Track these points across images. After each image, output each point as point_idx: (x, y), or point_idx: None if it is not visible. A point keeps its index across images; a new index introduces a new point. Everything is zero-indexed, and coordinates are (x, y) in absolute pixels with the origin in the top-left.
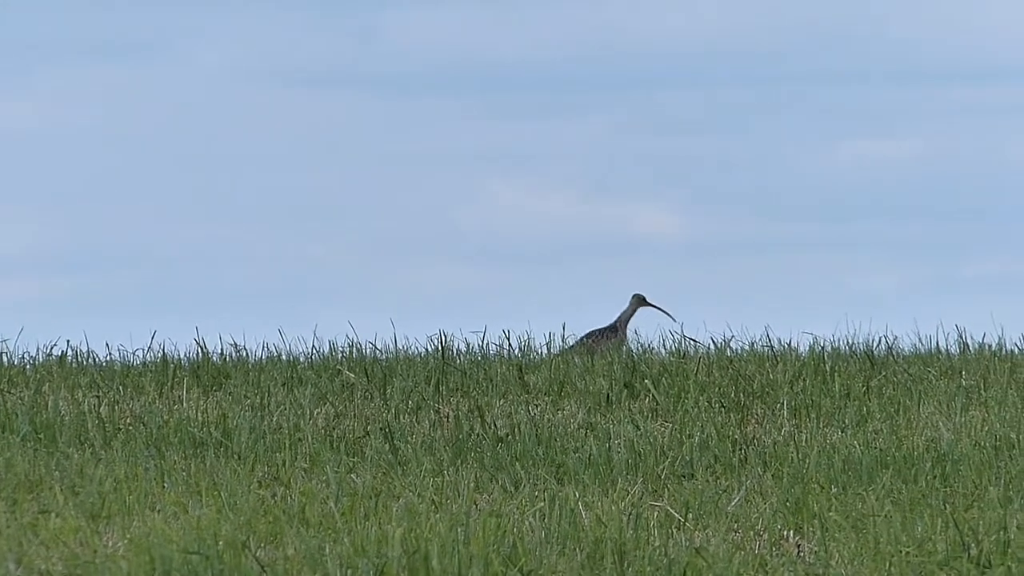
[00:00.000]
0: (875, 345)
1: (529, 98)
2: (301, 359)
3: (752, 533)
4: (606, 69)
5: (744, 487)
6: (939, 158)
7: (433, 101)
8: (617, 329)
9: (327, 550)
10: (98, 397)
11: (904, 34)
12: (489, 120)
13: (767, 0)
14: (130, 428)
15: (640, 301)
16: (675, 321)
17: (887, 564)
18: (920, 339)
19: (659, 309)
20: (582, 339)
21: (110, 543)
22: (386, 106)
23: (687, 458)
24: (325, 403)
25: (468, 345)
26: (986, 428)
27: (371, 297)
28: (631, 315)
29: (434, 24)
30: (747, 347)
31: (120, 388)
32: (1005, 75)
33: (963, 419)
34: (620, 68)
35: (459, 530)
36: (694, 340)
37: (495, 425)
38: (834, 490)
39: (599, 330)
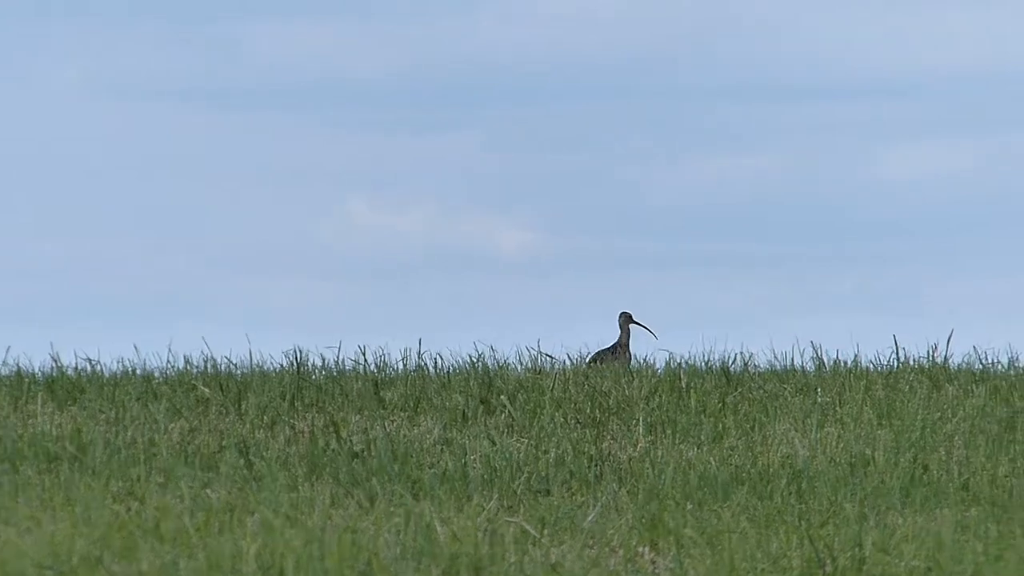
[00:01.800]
0: (731, 362)
1: (388, 115)
2: (156, 374)
3: (608, 549)
4: (464, 87)
5: (600, 503)
6: (797, 175)
7: (292, 116)
8: (621, 348)
9: (182, 565)
10: None
11: (760, 51)
12: (347, 136)
13: (624, 19)
14: None
15: (628, 319)
16: (656, 339)
17: None
18: (776, 356)
19: (643, 327)
20: (592, 359)
21: None
22: (244, 120)
23: (543, 474)
24: (180, 418)
25: (324, 360)
26: (841, 445)
27: (227, 312)
28: (628, 335)
29: (293, 39)
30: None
31: None
32: (862, 92)
33: (819, 436)
34: (478, 86)
35: (314, 546)
36: (550, 356)
37: (351, 440)
38: (689, 506)
39: (605, 350)
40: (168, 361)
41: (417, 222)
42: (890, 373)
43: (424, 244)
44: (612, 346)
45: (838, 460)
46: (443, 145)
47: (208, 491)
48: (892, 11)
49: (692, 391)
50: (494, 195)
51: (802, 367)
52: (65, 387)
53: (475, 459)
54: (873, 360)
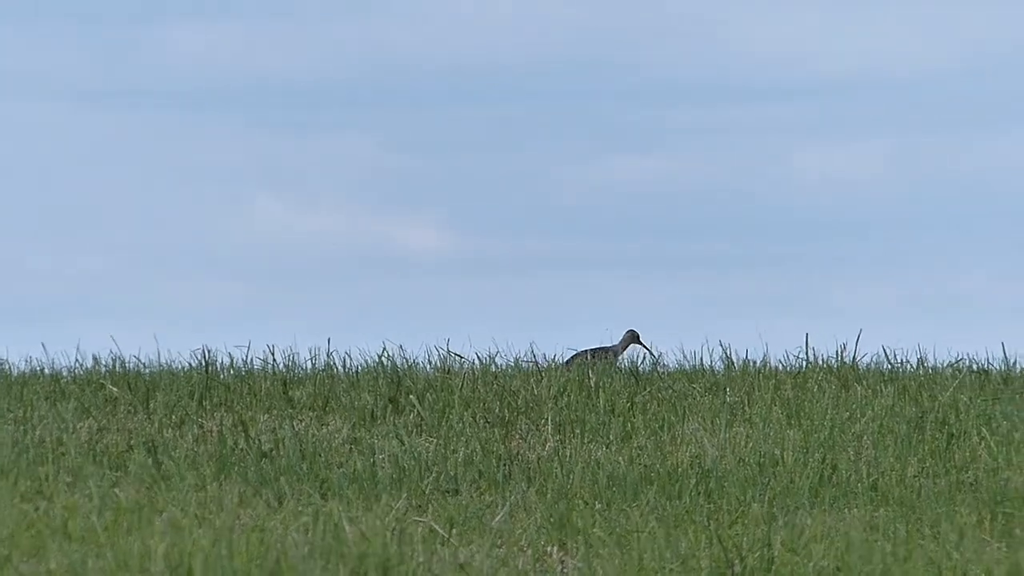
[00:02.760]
0: (640, 361)
1: (296, 114)
2: (64, 373)
3: (516, 549)
4: (372, 87)
5: (508, 503)
6: (709, 175)
7: (201, 116)
8: (611, 352)
9: (90, 564)
10: None
11: (671, 53)
12: (256, 135)
13: (526, 20)
14: None
15: (633, 337)
16: (655, 356)
17: None
18: (685, 355)
19: (646, 348)
20: (585, 352)
21: None
22: (153, 120)
23: (451, 473)
24: (88, 417)
25: (232, 360)
26: (750, 444)
27: (135, 311)
28: (624, 347)
29: (203, 39)
30: (512, 363)
31: None
32: (754, 96)
33: (727, 435)
34: (385, 86)
35: (223, 545)
36: (459, 355)
37: (259, 440)
38: (598, 506)
39: (603, 348)
40: (76, 360)
41: (326, 222)
42: (799, 373)
43: (333, 243)
44: (602, 348)
45: (747, 460)
46: (351, 145)
47: (116, 490)
48: (806, 15)
49: (601, 390)
50: (403, 195)
51: (711, 367)
52: None
53: (384, 459)
54: (782, 360)
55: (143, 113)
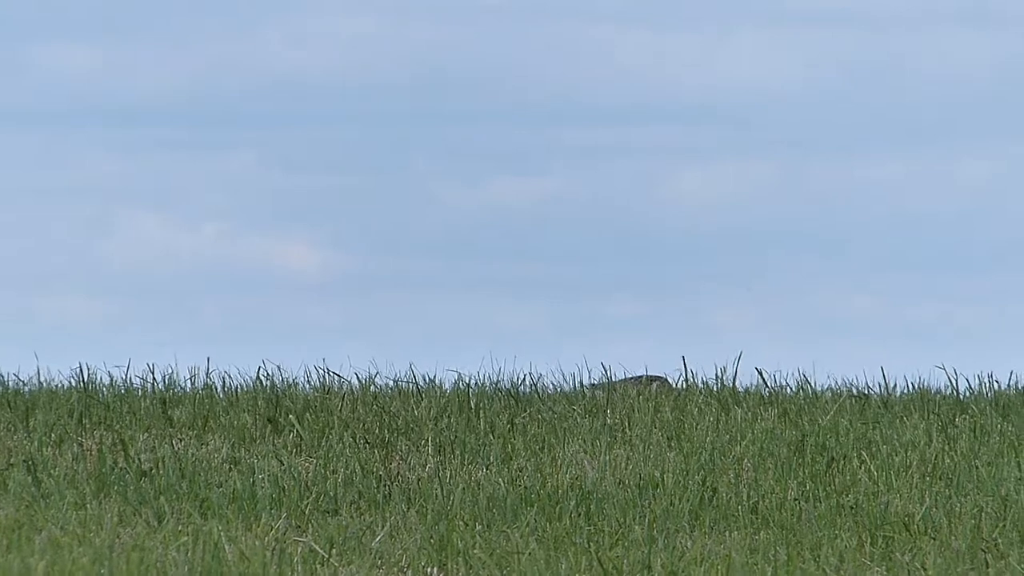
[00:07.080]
0: (520, 383)
1: (173, 133)
2: None
3: (396, 569)
4: (252, 105)
5: (388, 523)
6: (588, 198)
7: (74, 133)
8: None
9: None
10: None
11: (551, 74)
12: (130, 154)
13: (411, 39)
14: None
15: None
16: None
17: None
18: (564, 377)
19: None
20: None
21: None
22: (26, 139)
23: (331, 494)
24: None
25: (112, 378)
26: (630, 467)
27: (14, 331)
28: None
29: (75, 57)
30: (392, 384)
31: None
32: (651, 116)
33: (608, 457)
34: (266, 104)
35: (103, 564)
36: (338, 375)
37: (138, 459)
38: (478, 527)
39: None
40: None
41: (204, 239)
42: (679, 395)
43: (211, 261)
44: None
45: (627, 482)
46: (230, 163)
47: None
48: (691, 37)
49: (481, 412)
50: (283, 214)
51: (592, 388)
52: None
53: (263, 478)
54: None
55: (14, 131)
